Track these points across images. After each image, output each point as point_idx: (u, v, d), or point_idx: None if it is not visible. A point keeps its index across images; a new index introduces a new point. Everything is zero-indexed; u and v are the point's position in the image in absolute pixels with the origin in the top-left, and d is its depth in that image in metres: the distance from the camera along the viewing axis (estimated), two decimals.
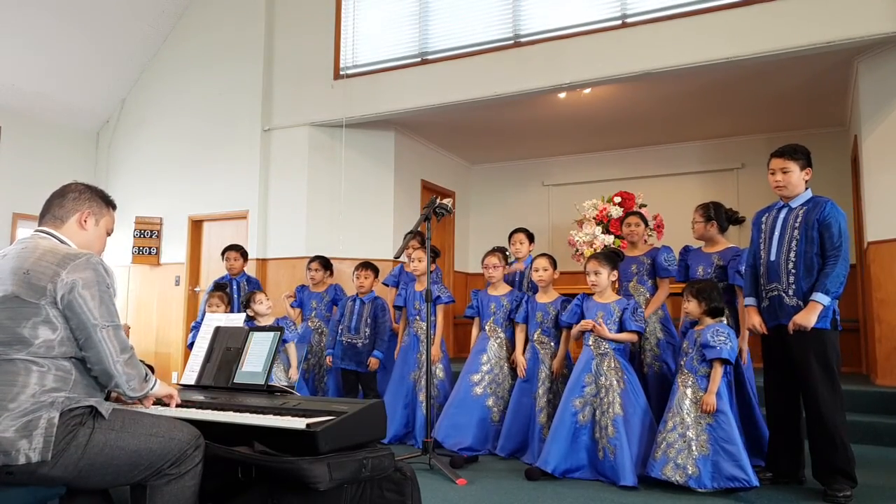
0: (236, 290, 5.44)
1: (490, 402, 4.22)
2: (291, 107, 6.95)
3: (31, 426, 1.69)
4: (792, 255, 3.19)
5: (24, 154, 7.32)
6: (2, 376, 1.75)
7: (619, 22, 5.53)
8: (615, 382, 3.56)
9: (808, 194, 3.26)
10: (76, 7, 6.84)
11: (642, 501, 3.10)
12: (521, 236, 4.72)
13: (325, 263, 5.36)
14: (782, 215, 3.29)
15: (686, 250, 4.08)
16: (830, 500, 3.02)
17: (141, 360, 2.00)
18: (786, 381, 3.28)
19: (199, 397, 2.33)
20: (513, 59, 5.88)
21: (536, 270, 4.17)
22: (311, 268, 5.33)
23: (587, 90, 6.03)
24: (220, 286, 5.13)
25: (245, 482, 2.04)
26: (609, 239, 6.28)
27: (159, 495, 1.86)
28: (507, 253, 4.59)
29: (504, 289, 4.46)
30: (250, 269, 6.33)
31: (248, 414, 2.05)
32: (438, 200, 3.94)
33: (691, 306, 3.46)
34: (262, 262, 6.84)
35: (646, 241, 4.43)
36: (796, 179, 3.24)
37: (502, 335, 4.35)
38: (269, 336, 2.54)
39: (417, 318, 4.58)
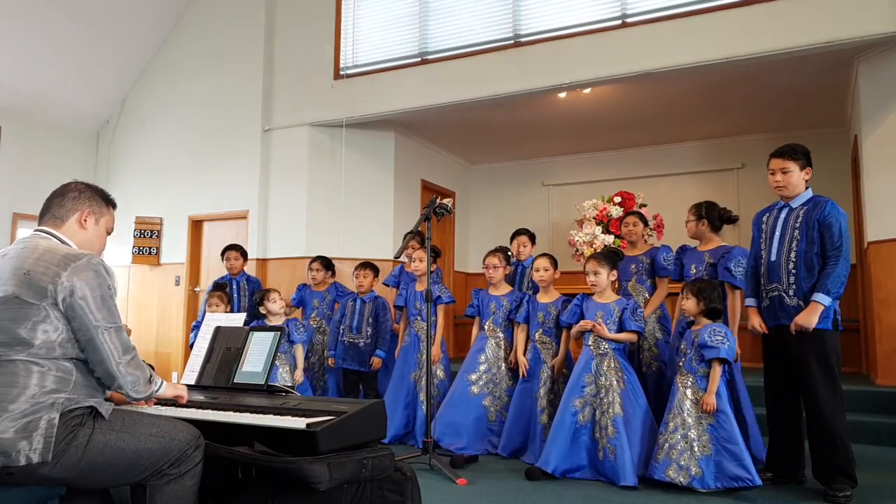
0: (236, 289, 5.44)
1: (487, 401, 4.23)
2: (291, 107, 6.95)
3: (30, 427, 1.68)
4: (792, 255, 3.18)
5: (24, 154, 7.32)
6: (2, 377, 1.74)
7: (619, 22, 5.53)
8: (615, 382, 3.56)
9: (809, 194, 3.26)
10: (76, 7, 6.84)
11: (643, 501, 3.10)
12: (524, 238, 4.72)
13: (327, 264, 5.36)
14: (783, 215, 3.29)
15: (682, 249, 4.11)
16: (830, 500, 3.02)
17: (146, 362, 1.99)
18: (786, 381, 3.28)
19: (199, 397, 2.33)
20: (513, 59, 5.88)
21: (537, 270, 4.17)
22: (312, 268, 5.33)
23: (587, 90, 6.03)
24: (219, 286, 5.13)
25: (245, 482, 2.03)
26: (609, 239, 6.28)
27: (159, 495, 1.86)
28: (509, 253, 4.59)
29: (505, 289, 4.46)
30: (250, 270, 6.33)
31: (248, 414, 2.05)
32: (438, 200, 3.94)
33: (689, 304, 3.45)
34: (263, 262, 6.84)
35: (645, 241, 4.44)
36: (796, 179, 3.23)
37: (501, 335, 4.35)
38: (269, 336, 2.54)
39: (418, 318, 4.58)
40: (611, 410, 3.50)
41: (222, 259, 5.57)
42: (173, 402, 2.18)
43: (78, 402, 1.78)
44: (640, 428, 3.47)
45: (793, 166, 3.23)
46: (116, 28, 7.28)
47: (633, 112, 6.66)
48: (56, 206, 2.03)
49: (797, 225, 3.20)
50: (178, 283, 7.31)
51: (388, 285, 5.24)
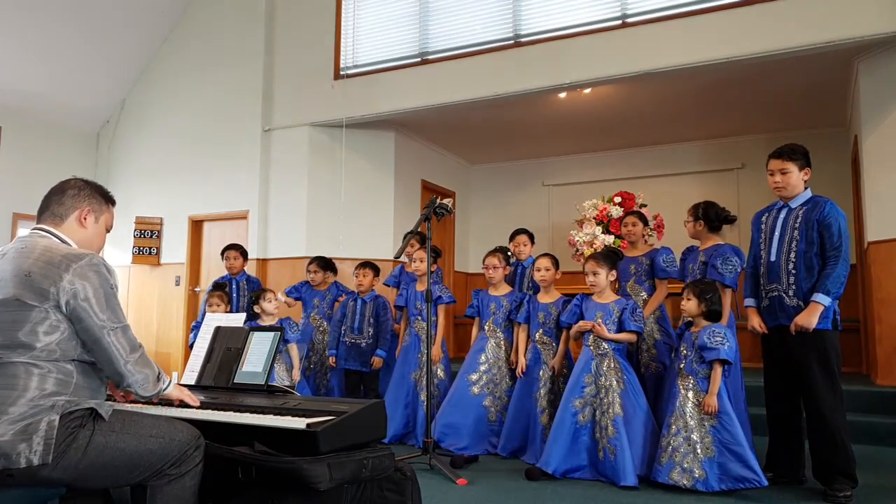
0: (235, 289, 5.43)
1: (487, 402, 4.23)
2: (291, 107, 6.95)
3: (30, 430, 1.68)
4: (792, 255, 3.19)
5: (24, 154, 7.32)
6: (2, 380, 1.74)
7: (619, 22, 5.53)
8: (615, 383, 3.56)
9: (808, 194, 3.26)
10: (77, 8, 6.84)
11: (643, 501, 3.10)
12: (524, 237, 4.72)
13: (324, 264, 5.35)
14: (782, 216, 3.29)
15: (689, 251, 4.10)
16: (831, 500, 3.02)
17: None
18: (786, 381, 3.28)
19: (199, 397, 2.33)
20: (513, 59, 5.88)
21: (539, 270, 4.17)
22: (309, 269, 5.33)
23: (587, 90, 6.03)
24: (219, 285, 5.13)
25: (245, 482, 2.03)
26: (609, 239, 6.28)
27: (160, 495, 1.85)
28: (509, 253, 4.59)
29: (504, 289, 4.46)
30: (251, 269, 6.33)
31: (248, 414, 2.05)
32: (438, 200, 3.94)
33: (691, 305, 3.44)
34: (263, 262, 6.84)
35: (646, 241, 4.44)
36: (795, 180, 3.23)
37: (501, 335, 4.35)
38: (270, 336, 2.54)
39: (419, 318, 4.59)
40: (611, 410, 3.49)
41: (222, 259, 5.57)
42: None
43: (78, 403, 1.78)
44: (641, 428, 3.47)
45: (791, 167, 3.23)
46: (116, 28, 7.28)
47: (633, 112, 6.66)
48: (55, 203, 2.01)
49: (797, 225, 3.20)
50: (178, 283, 7.31)
51: (388, 285, 5.24)
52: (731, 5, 5.09)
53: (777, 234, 3.27)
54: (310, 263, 5.35)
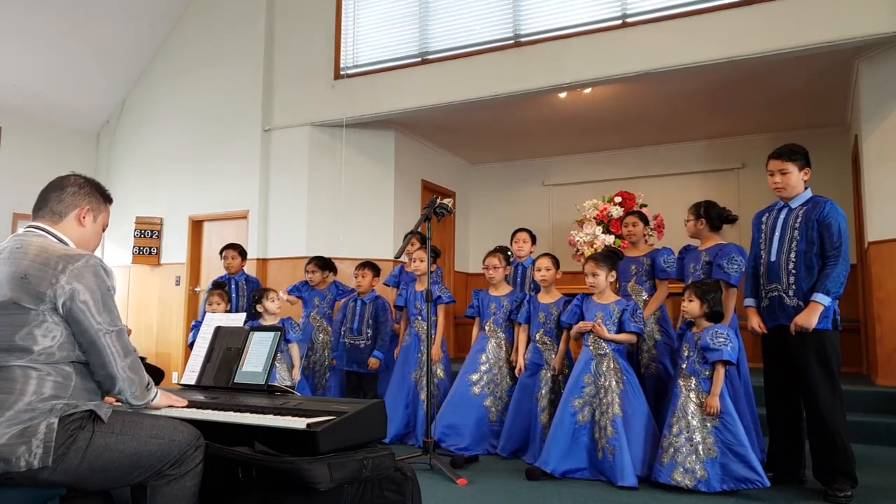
0: (234, 289, 5.42)
1: (488, 402, 4.23)
2: (291, 107, 6.95)
3: (28, 433, 1.67)
4: (792, 255, 3.18)
5: (24, 154, 7.32)
6: (0, 383, 1.72)
7: (620, 22, 5.53)
8: (614, 383, 3.56)
9: (808, 194, 3.26)
10: (77, 7, 6.84)
11: (643, 501, 3.10)
12: (525, 235, 4.73)
13: (322, 264, 5.34)
14: (782, 216, 3.29)
15: (686, 250, 4.10)
16: (831, 499, 3.02)
17: (154, 365, 1.97)
18: (786, 381, 3.28)
19: (199, 397, 2.33)
20: (513, 59, 5.88)
21: (539, 270, 4.17)
22: (308, 269, 5.32)
23: (588, 90, 6.03)
24: (219, 284, 5.12)
25: (245, 482, 2.03)
26: (610, 239, 6.28)
27: (160, 496, 1.85)
28: (509, 253, 4.59)
29: (505, 289, 4.46)
30: (251, 270, 6.33)
31: (248, 414, 2.05)
32: (439, 200, 3.94)
33: (692, 306, 3.43)
34: (263, 262, 6.84)
35: (646, 241, 4.43)
36: (795, 180, 3.23)
37: (502, 335, 4.35)
38: (270, 336, 2.54)
39: (419, 318, 4.59)
40: (610, 411, 3.49)
41: (220, 258, 5.56)
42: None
43: (77, 405, 1.77)
44: (640, 428, 3.47)
45: (791, 167, 3.23)
46: (117, 28, 7.28)
47: (633, 112, 6.66)
48: (55, 200, 1.97)
49: (797, 225, 3.20)
50: (178, 283, 7.31)
51: (388, 285, 5.24)
52: (731, 5, 5.09)
53: (777, 234, 3.27)
54: (308, 263, 5.35)
